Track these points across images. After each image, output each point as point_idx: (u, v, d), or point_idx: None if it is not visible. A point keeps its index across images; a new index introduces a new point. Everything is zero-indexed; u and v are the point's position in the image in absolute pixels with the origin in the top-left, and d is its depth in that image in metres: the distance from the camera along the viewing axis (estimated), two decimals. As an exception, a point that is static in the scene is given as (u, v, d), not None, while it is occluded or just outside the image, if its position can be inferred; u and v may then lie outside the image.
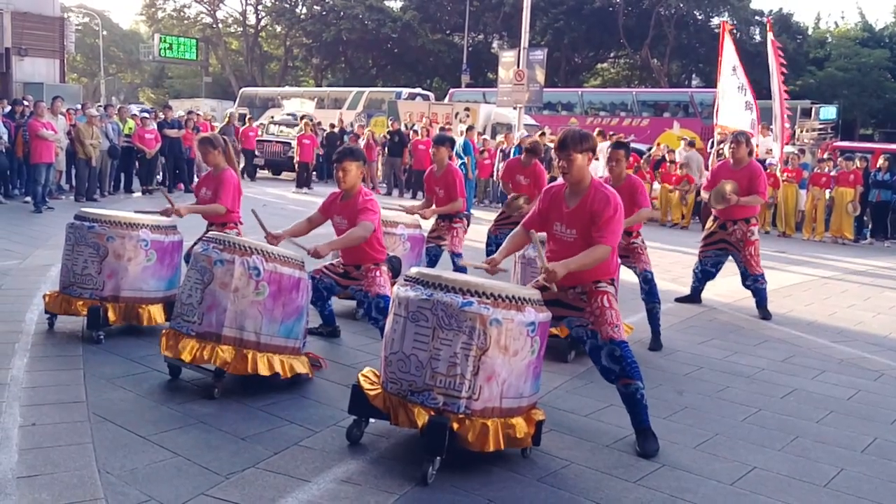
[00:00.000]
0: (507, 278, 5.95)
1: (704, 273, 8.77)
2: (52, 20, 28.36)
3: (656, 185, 18.54)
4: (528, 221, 4.97)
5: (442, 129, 20.89)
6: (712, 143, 18.19)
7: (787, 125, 16.83)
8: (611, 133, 19.53)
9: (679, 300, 9.00)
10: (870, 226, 17.25)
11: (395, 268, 6.17)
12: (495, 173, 19.30)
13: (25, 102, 16.76)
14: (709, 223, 8.71)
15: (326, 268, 6.09)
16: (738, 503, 4.15)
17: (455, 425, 4.00)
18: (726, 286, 9.45)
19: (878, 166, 16.69)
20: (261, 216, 5.78)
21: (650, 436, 4.72)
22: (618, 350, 4.60)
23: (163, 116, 19.20)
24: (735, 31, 44.68)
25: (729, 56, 14.94)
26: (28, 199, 14.58)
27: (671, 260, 12.25)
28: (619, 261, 6.86)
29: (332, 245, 5.68)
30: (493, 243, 9.83)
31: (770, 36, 15.94)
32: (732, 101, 15.18)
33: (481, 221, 13.98)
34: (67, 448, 4.23)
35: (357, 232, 5.65)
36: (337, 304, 7.47)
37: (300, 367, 5.37)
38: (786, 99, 16.03)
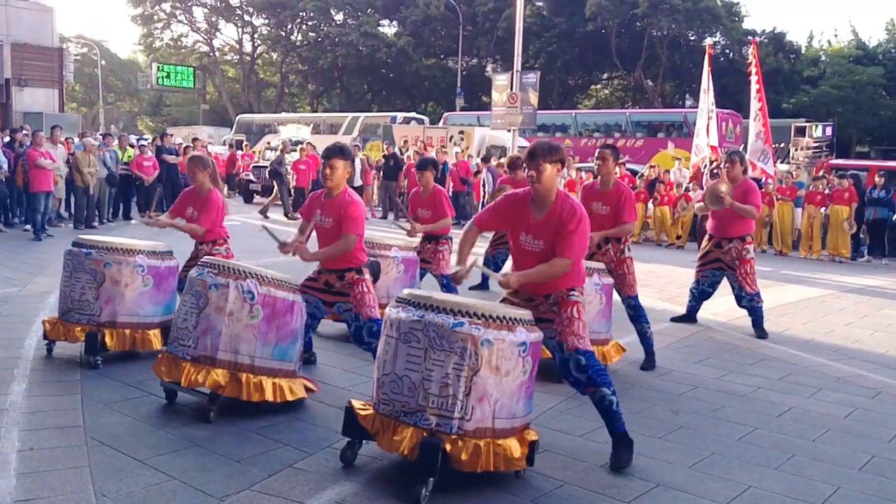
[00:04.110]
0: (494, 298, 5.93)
1: (702, 293, 8.80)
2: (51, 51, 28.54)
3: (651, 206, 18.64)
4: (480, 218, 5.00)
5: (443, 150, 21.06)
6: (705, 163, 18.32)
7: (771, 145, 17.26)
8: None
9: (675, 319, 9.03)
10: (867, 243, 17.27)
11: (374, 272, 6.10)
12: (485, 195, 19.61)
13: (24, 130, 16.85)
14: (704, 242, 8.75)
15: (306, 283, 5.97)
16: (733, 521, 4.16)
17: (448, 446, 4.01)
18: (722, 305, 9.47)
19: (873, 184, 16.74)
20: (272, 231, 5.81)
21: (624, 442, 4.71)
22: (583, 359, 4.61)
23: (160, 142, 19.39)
24: (728, 51, 45.20)
25: (705, 79, 15.49)
26: (28, 227, 14.65)
27: (667, 280, 12.26)
28: (609, 280, 6.96)
29: (316, 256, 5.67)
30: (489, 263, 9.88)
31: (753, 60, 16.27)
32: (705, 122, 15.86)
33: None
34: (64, 472, 4.25)
35: (340, 245, 5.60)
36: (331, 326, 7.49)
37: (293, 394, 5.37)
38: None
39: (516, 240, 4.77)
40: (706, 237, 8.73)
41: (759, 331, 8.57)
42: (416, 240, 8.40)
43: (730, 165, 8.40)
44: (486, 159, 20.94)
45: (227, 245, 7.07)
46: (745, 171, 8.52)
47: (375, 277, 6.15)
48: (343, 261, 5.78)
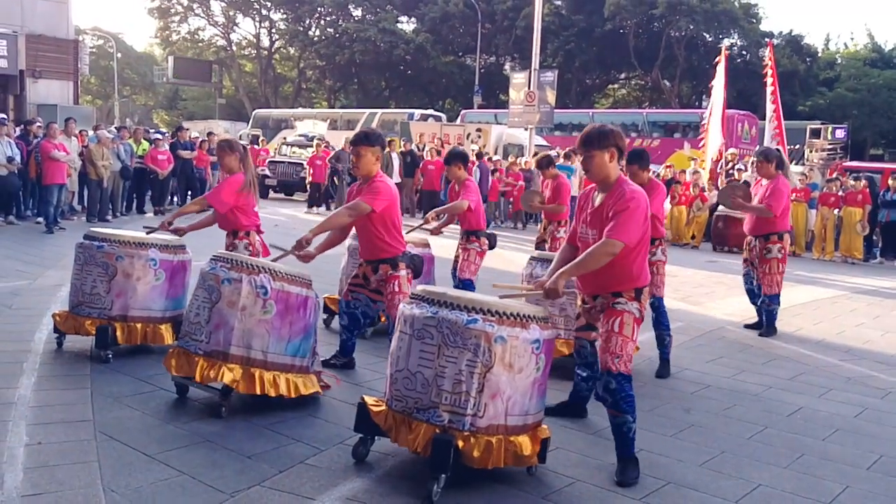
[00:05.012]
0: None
1: (749, 292, 8.73)
2: (67, 43, 28.52)
3: (667, 205, 18.56)
4: (569, 236, 4.86)
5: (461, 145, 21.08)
6: (721, 163, 18.30)
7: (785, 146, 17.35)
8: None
9: (748, 327, 8.89)
10: (880, 245, 17.23)
11: (416, 268, 5.94)
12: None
13: (38, 122, 16.90)
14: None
15: (352, 282, 5.92)
16: (744, 522, 4.14)
17: (460, 443, 3.99)
18: (735, 305, 9.43)
19: (887, 186, 16.68)
20: (279, 245, 5.84)
21: (631, 464, 4.52)
22: (612, 383, 4.40)
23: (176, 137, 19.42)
24: (744, 52, 44.99)
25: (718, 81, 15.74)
26: (40, 219, 14.67)
27: (681, 279, 12.22)
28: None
29: (315, 230, 5.56)
30: None
31: (769, 62, 16.35)
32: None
33: (507, 246, 13.95)
34: (72, 466, 4.23)
35: (342, 211, 5.48)
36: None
37: (307, 388, 5.33)
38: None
39: (580, 234, 4.63)
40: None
41: (766, 329, 8.54)
42: (428, 236, 8.32)
43: (759, 164, 8.40)
44: (479, 156, 20.84)
45: (250, 240, 6.65)
46: (778, 167, 8.37)
47: (417, 273, 5.99)
48: (376, 250, 5.73)
